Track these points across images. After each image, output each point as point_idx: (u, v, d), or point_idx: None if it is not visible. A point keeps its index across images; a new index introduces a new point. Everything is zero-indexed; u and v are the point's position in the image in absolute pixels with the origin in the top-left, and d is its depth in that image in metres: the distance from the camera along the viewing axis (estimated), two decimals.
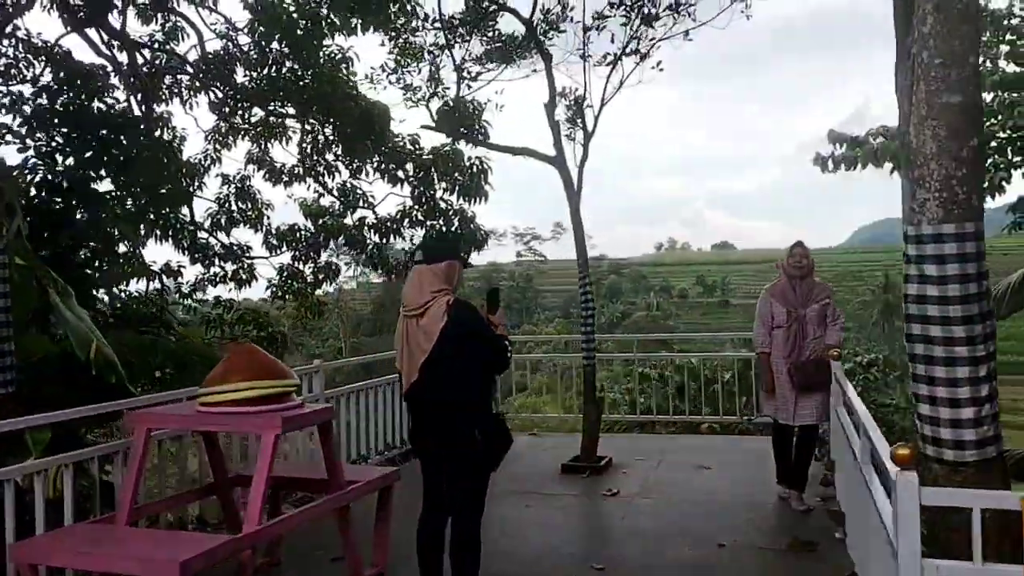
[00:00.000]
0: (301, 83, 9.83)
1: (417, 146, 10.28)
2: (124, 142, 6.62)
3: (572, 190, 6.63)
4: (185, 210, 10.34)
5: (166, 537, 3.77)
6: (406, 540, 4.01)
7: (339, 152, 10.85)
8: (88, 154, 6.40)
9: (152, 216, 9.09)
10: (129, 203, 7.85)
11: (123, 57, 9.83)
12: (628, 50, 6.67)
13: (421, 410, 3.93)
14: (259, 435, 4.83)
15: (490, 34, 7.84)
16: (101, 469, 4.18)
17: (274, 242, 11.32)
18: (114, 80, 9.12)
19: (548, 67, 6.77)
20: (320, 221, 11.32)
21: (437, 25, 7.78)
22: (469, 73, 7.92)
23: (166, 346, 5.89)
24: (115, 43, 9.95)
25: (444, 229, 10.66)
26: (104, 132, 6.51)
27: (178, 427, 4.25)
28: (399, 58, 8.46)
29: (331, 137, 10.67)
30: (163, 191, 8.71)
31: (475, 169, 9.97)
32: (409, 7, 9.16)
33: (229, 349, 4.17)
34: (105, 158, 6.46)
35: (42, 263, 4.45)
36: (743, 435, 8.65)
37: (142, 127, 7.52)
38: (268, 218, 11.25)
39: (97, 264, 6.65)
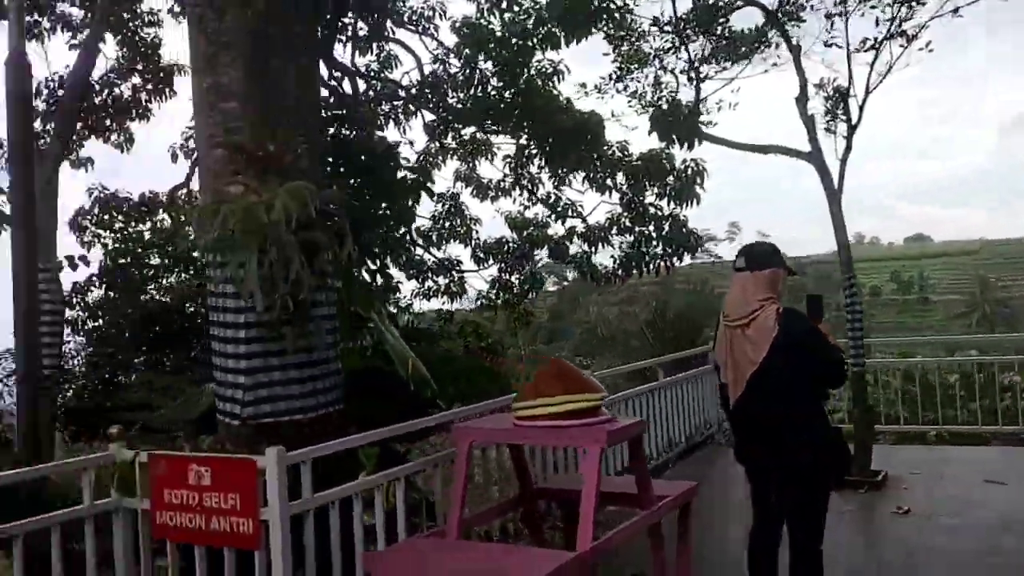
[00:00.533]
0: (509, 100, 10.01)
1: (626, 152, 10.17)
2: (386, 169, 6.96)
3: (832, 187, 6.25)
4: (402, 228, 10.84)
5: (513, 552, 3.84)
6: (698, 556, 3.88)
7: (543, 164, 10.97)
8: (352, 181, 6.78)
9: (379, 236, 9.57)
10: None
11: (346, 87, 10.45)
12: (892, 32, 6.21)
13: (748, 422, 3.80)
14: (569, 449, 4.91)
15: (718, 31, 7.58)
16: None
17: (481, 255, 11.64)
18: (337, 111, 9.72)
19: (797, 59, 6.44)
20: (525, 233, 11.52)
21: (667, 29, 7.61)
22: (698, 73, 7.69)
23: (462, 361, 6.13)
24: (336, 75, 10.60)
25: (652, 234, 10.52)
26: (363, 158, 6.88)
27: (500, 440, 4.34)
28: (623, 65, 8.36)
29: (537, 151, 10.78)
30: (389, 211, 9.15)
31: (690, 172, 9.72)
32: (618, 16, 9.06)
33: (539, 363, 4.22)
34: (365, 185, 6.83)
35: (363, 285, 4.77)
36: (979, 445, 7.89)
37: (393, 153, 7.84)
38: (476, 232, 11.61)
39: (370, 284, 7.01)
